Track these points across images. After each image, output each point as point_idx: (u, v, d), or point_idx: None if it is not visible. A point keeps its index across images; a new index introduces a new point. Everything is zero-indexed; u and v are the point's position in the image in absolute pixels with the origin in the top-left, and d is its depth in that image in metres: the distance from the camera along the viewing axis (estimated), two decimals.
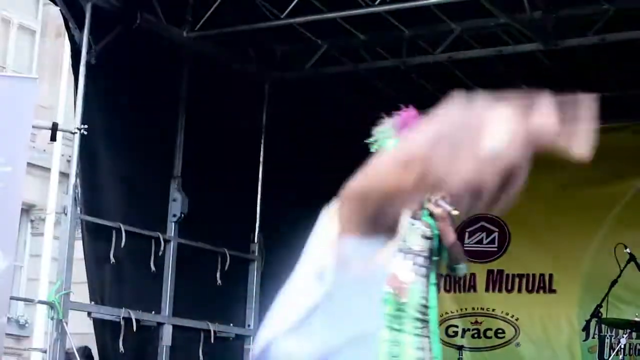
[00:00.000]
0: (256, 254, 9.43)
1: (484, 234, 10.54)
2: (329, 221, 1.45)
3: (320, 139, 9.78)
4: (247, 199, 9.37)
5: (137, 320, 8.24)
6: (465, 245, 10.63)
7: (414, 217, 5.90)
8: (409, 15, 8.77)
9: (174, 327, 8.63)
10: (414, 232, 5.85)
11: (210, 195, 8.86)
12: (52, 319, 7.76)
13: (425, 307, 5.79)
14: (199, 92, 8.89)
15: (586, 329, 9.65)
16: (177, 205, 8.68)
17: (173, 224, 8.70)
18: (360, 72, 9.79)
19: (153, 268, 8.46)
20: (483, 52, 9.06)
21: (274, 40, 9.48)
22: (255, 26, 8.82)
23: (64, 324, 7.65)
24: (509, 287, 10.29)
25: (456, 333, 10.43)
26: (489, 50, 9.01)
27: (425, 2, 8.27)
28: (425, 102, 10.82)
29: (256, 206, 9.47)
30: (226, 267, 9.00)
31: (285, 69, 9.60)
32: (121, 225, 8.16)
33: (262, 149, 9.53)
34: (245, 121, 9.35)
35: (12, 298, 8.99)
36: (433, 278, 5.85)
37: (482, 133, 1.31)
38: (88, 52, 7.97)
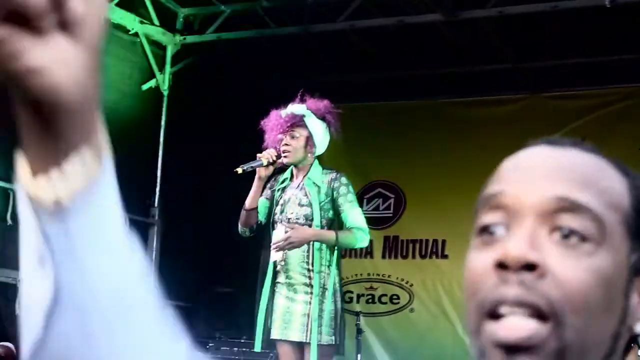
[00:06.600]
0: (156, 218, 9.37)
1: (380, 200, 10.62)
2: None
3: (223, 106, 9.75)
4: (147, 163, 9.29)
5: None
6: (364, 212, 10.72)
7: (272, 187, 5.97)
8: None
9: None
10: (289, 202, 5.85)
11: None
12: None
13: (309, 270, 5.74)
14: None
15: None
16: None
17: None
18: (263, 39, 9.78)
19: None
20: (384, 21, 9.11)
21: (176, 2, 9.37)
22: None
23: None
24: (404, 253, 10.38)
25: (351, 299, 10.52)
26: (390, 19, 9.06)
27: None
28: (322, 71, 10.82)
29: (157, 170, 9.39)
30: None
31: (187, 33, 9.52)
32: None
33: (164, 112, 9.43)
34: (148, 85, 9.23)
35: None
36: (317, 243, 5.73)
37: None
38: None
